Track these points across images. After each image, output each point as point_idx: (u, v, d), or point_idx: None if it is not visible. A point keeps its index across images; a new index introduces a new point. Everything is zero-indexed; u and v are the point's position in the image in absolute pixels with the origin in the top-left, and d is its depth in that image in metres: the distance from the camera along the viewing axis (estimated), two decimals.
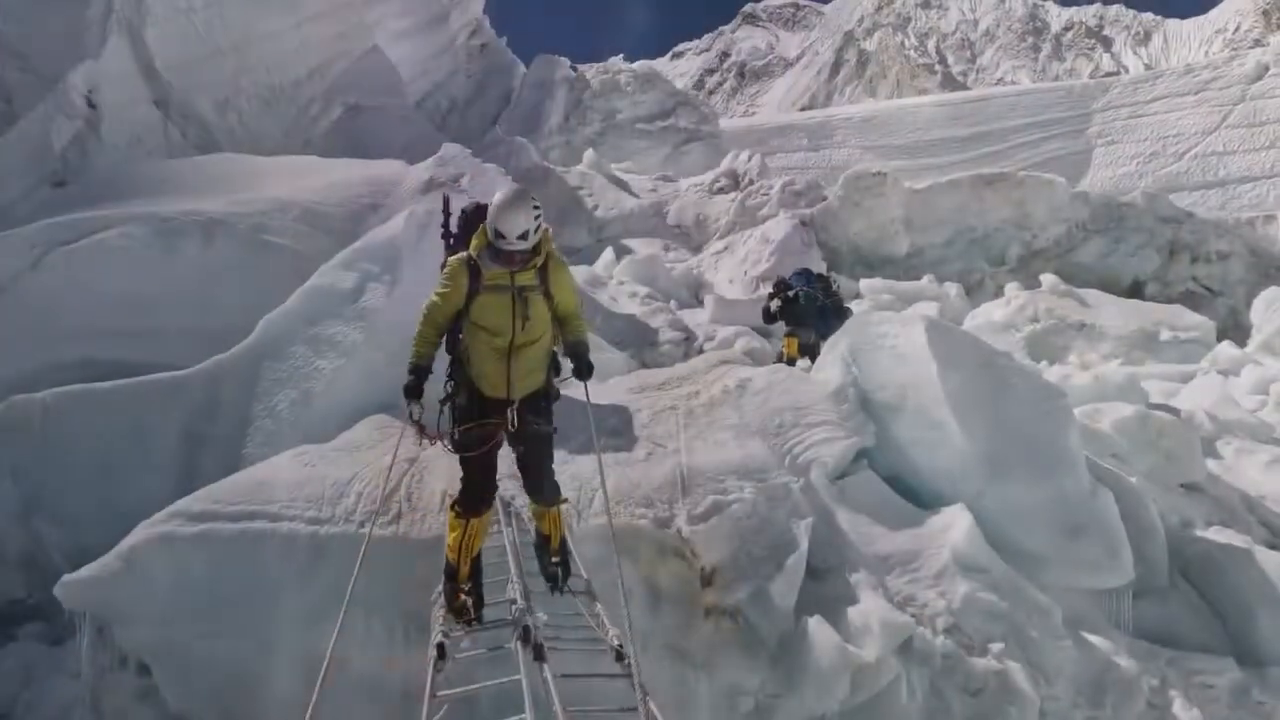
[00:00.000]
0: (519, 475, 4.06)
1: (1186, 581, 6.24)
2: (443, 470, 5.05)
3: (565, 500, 3.98)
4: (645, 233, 18.52)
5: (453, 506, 3.74)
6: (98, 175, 14.67)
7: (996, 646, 5.04)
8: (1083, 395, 8.53)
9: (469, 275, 3.61)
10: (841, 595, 5.07)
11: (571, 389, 4.05)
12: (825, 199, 17.62)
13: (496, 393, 3.65)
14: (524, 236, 3.50)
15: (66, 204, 10.33)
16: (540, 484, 3.87)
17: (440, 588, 3.81)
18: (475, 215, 4.00)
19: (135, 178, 11.95)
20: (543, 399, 3.80)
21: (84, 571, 4.73)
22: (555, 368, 3.87)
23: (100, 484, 6.35)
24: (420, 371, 3.71)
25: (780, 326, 9.04)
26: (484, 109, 27.38)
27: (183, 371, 6.78)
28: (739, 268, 15.73)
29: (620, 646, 3.11)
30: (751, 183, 19.72)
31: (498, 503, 4.13)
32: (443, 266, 4.09)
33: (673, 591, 4.93)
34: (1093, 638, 5.45)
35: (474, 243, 3.66)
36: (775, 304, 8.83)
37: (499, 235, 3.50)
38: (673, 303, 12.98)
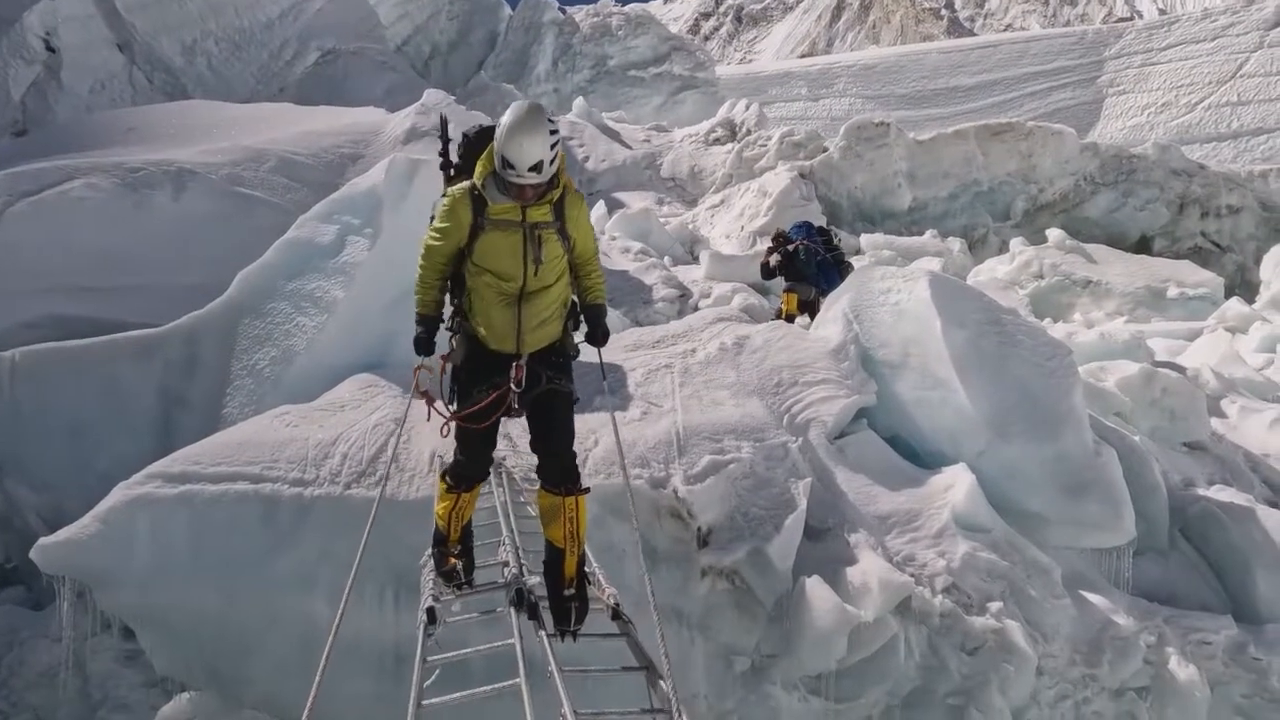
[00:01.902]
0: (522, 448, 3.64)
1: (1186, 540, 6.33)
2: (430, 430, 5.00)
3: (587, 490, 3.18)
4: (638, 186, 18.24)
5: (444, 476, 3.32)
6: (60, 123, 14.27)
7: (995, 605, 5.12)
8: (1088, 353, 8.54)
9: (472, 209, 3.05)
10: (840, 555, 5.11)
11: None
12: (825, 150, 17.35)
13: (503, 346, 3.11)
14: (537, 168, 2.90)
15: (28, 153, 10.04)
16: (556, 459, 3.16)
17: (429, 551, 3.53)
18: (479, 140, 3.44)
19: (99, 126, 11.63)
20: (559, 354, 3.24)
21: (60, 534, 4.70)
22: (575, 320, 3.31)
23: (74, 445, 6.29)
24: (429, 322, 3.25)
25: (779, 282, 8.95)
26: (468, 54, 26.67)
27: (158, 329, 6.67)
28: (736, 222, 15.56)
29: (617, 605, 3.06)
30: (749, 133, 19.37)
31: None
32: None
33: (669, 552, 4.95)
34: (1092, 596, 5.54)
35: (478, 169, 3.09)
36: (774, 259, 8.73)
37: (507, 165, 2.91)
38: (667, 259, 12.85)
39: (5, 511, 6.51)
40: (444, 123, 4.11)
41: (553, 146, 2.93)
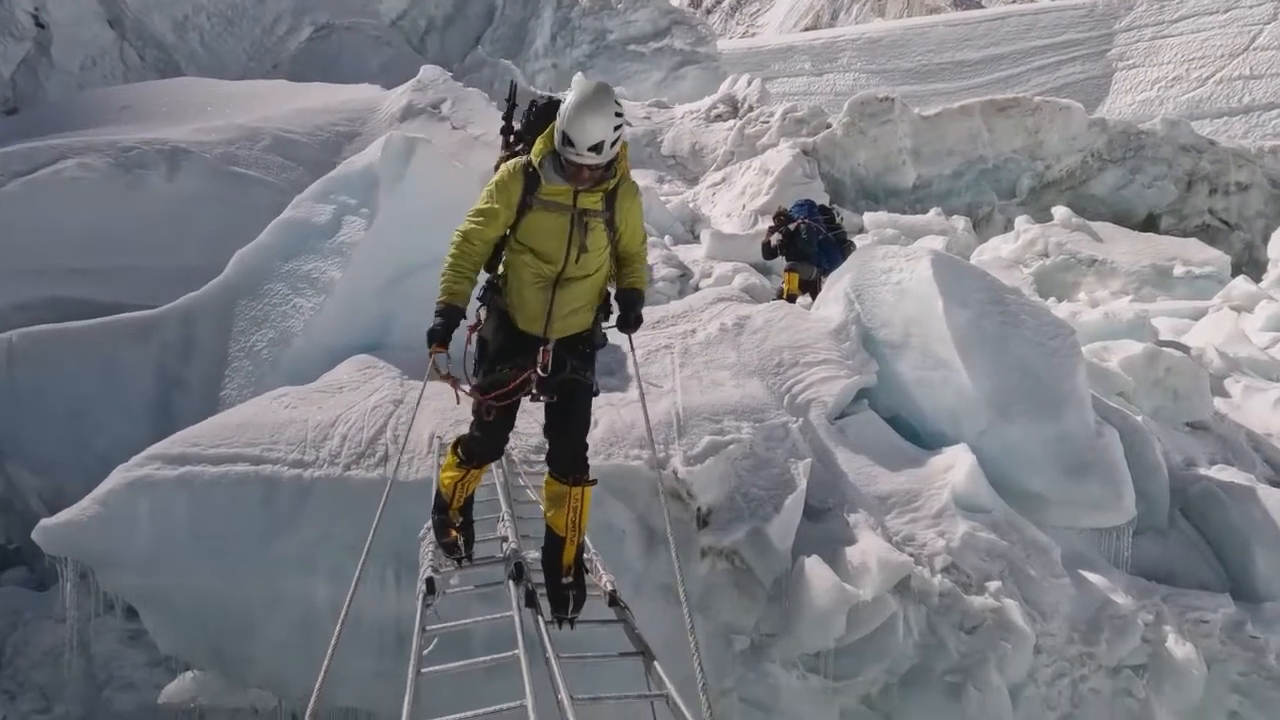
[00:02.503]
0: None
1: (1186, 519, 6.38)
2: (431, 412, 5.04)
3: (594, 482, 3.17)
4: (638, 163, 18.10)
5: (454, 449, 3.27)
6: (51, 101, 14.18)
7: (994, 585, 5.17)
8: (1091, 333, 8.54)
9: (524, 185, 2.96)
10: (840, 535, 5.16)
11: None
12: (829, 127, 17.20)
13: (531, 327, 3.06)
14: (597, 149, 2.83)
15: (19, 132, 9.99)
16: (568, 449, 3.13)
17: (429, 522, 3.54)
18: (545, 112, 3.28)
19: (91, 104, 11.55)
20: (586, 344, 3.16)
21: (61, 516, 4.75)
22: (606, 310, 3.22)
23: (73, 427, 6.33)
24: (452, 315, 3.02)
25: (780, 262, 8.94)
26: (465, 28, 26.34)
27: (154, 310, 6.69)
28: (737, 200, 15.47)
29: (614, 591, 3.10)
30: (751, 109, 19.19)
31: None
32: (498, 168, 3.44)
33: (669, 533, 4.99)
34: (1091, 576, 5.60)
35: (537, 146, 2.99)
36: (775, 238, 8.71)
37: (567, 142, 2.83)
38: (667, 238, 12.80)
39: (6, 493, 6.58)
40: (513, 89, 3.91)
41: (615, 129, 2.85)
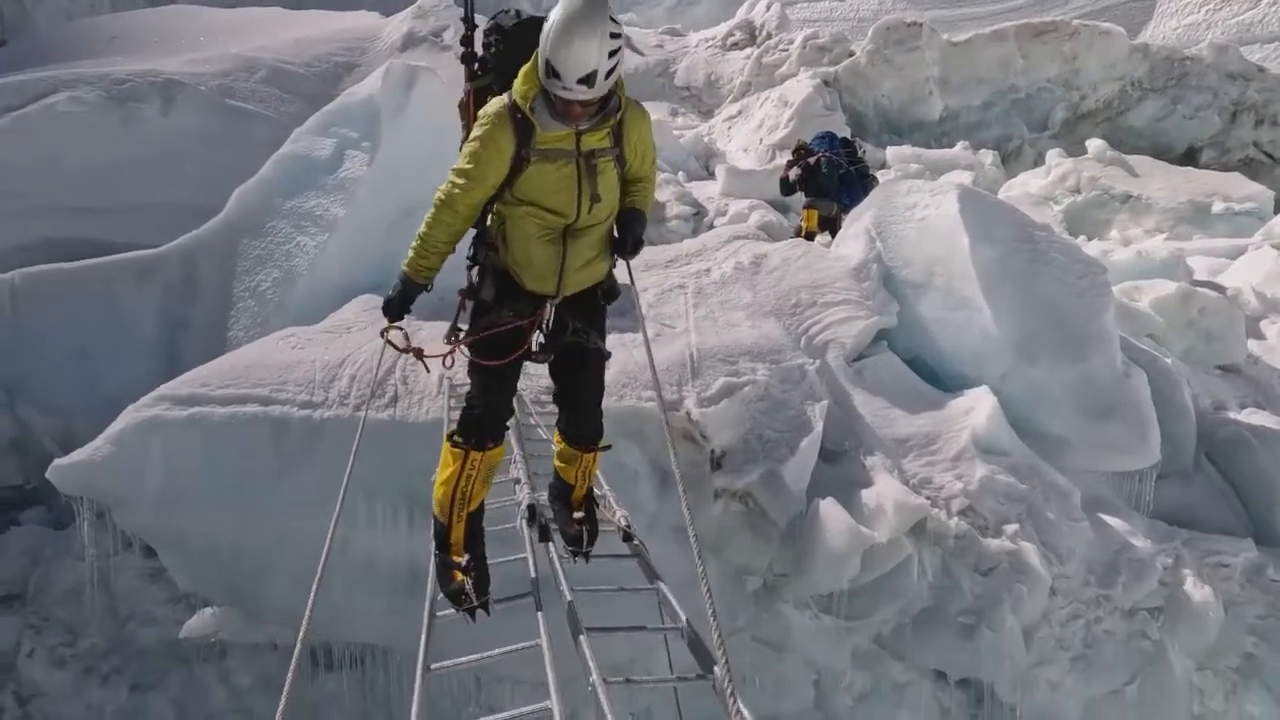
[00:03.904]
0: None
1: (1212, 464, 6.37)
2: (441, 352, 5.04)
3: (608, 447, 2.98)
4: (650, 95, 17.63)
5: (450, 437, 2.75)
6: (40, 32, 13.92)
7: (1011, 528, 5.22)
8: (1123, 272, 8.38)
9: (515, 137, 2.45)
10: (855, 478, 5.20)
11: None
12: (852, 55, 16.61)
13: (541, 286, 2.64)
14: (588, 80, 2.33)
15: (8, 65, 9.84)
16: (584, 417, 2.90)
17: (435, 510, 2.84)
18: (521, 34, 2.75)
19: (80, 34, 11.34)
20: (593, 300, 2.78)
21: (74, 456, 4.85)
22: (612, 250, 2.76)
23: (81, 367, 6.42)
24: (413, 290, 2.66)
25: (799, 198, 8.75)
26: None
27: (155, 250, 6.69)
28: (754, 134, 15.09)
29: (628, 527, 3.13)
30: (769, 37, 18.54)
31: None
32: (463, 107, 2.96)
33: (682, 474, 5.03)
34: (1110, 519, 5.63)
35: (520, 86, 2.46)
36: (794, 173, 8.51)
37: (551, 73, 2.34)
38: (681, 174, 12.56)
39: (19, 435, 6.73)
40: (469, 4, 3.24)
41: (612, 54, 2.33)
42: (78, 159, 8.22)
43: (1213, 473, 6.32)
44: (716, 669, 2.00)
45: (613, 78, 2.41)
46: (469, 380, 2.80)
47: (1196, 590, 5.40)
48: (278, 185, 6.63)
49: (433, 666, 2.38)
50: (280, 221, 6.45)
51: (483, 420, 2.72)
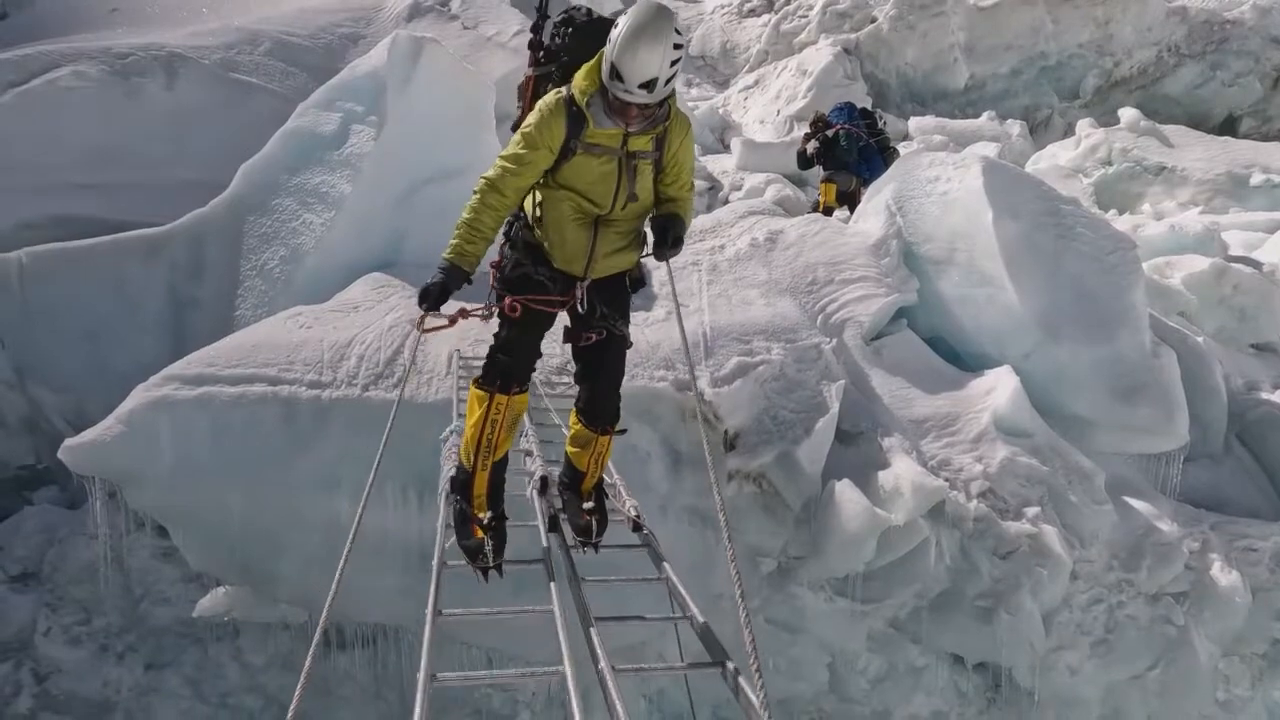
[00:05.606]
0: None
1: (1243, 445, 6.33)
2: (450, 331, 5.08)
3: (623, 431, 3.11)
4: None
5: (476, 381, 2.92)
6: (41, 5, 13.95)
7: (1032, 510, 5.22)
8: (1155, 247, 8.26)
9: (568, 127, 2.68)
10: (872, 459, 5.21)
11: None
12: (874, 21, 16.33)
13: (570, 267, 2.88)
14: (649, 86, 2.55)
15: (8, 38, 9.88)
16: (601, 402, 3.02)
17: (449, 470, 3.10)
18: (588, 32, 2.95)
19: (81, 6, 11.35)
20: (622, 287, 3.00)
21: (86, 435, 4.95)
22: (643, 242, 3.01)
23: (90, 347, 6.53)
24: (456, 279, 2.76)
25: (817, 172, 8.69)
26: None
27: (162, 228, 6.75)
28: (771, 105, 14.93)
29: (638, 517, 3.16)
30: (788, 3, 18.26)
31: None
32: (521, 89, 3.16)
33: (694, 455, 5.09)
34: (1135, 502, 5.62)
35: (580, 82, 2.69)
36: (812, 146, 8.44)
37: (615, 75, 2.56)
38: (695, 147, 12.47)
39: (30, 414, 6.86)
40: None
41: (673, 64, 2.55)
42: (82, 135, 8.27)
43: (1243, 454, 6.28)
44: (732, 659, 2.03)
45: (670, 85, 2.63)
46: (483, 354, 2.97)
47: (1224, 575, 5.39)
48: (283, 162, 6.66)
49: (444, 611, 2.44)
50: (286, 199, 6.49)
51: (509, 366, 2.89)
